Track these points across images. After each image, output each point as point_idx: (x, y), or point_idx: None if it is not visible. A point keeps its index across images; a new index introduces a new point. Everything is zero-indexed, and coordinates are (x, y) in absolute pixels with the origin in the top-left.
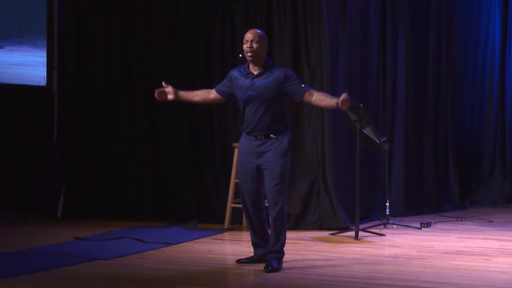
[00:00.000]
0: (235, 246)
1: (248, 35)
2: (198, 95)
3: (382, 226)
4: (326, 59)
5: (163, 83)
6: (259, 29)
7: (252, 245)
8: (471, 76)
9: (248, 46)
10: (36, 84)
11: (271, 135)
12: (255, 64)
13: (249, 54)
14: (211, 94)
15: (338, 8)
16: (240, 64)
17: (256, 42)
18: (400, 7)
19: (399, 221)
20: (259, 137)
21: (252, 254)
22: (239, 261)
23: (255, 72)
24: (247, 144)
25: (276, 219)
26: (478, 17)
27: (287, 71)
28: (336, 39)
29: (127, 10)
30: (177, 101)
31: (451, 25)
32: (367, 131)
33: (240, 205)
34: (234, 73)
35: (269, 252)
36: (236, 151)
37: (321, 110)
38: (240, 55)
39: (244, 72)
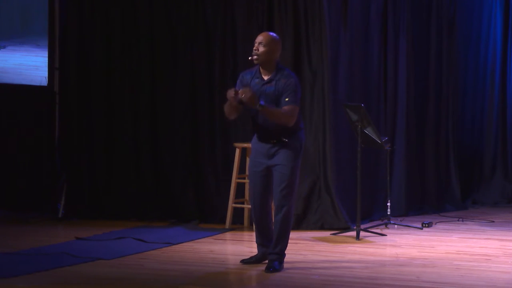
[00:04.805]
0: (237, 246)
1: (258, 37)
2: (236, 112)
3: (384, 226)
4: (327, 59)
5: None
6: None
7: (257, 244)
8: (472, 75)
9: (254, 48)
10: (37, 84)
11: (283, 139)
12: (264, 69)
13: (254, 57)
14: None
15: (339, 8)
16: (246, 64)
17: (263, 46)
18: (401, 7)
19: (400, 221)
20: (271, 141)
21: (255, 253)
22: (243, 261)
23: (265, 78)
24: (260, 144)
25: (281, 222)
26: (480, 17)
27: (288, 80)
28: (337, 39)
29: (129, 10)
30: (180, 100)
31: (452, 24)
32: (368, 131)
33: (241, 205)
34: (246, 76)
35: (270, 253)
36: (237, 151)
37: (322, 110)
38: (250, 58)
39: (255, 76)
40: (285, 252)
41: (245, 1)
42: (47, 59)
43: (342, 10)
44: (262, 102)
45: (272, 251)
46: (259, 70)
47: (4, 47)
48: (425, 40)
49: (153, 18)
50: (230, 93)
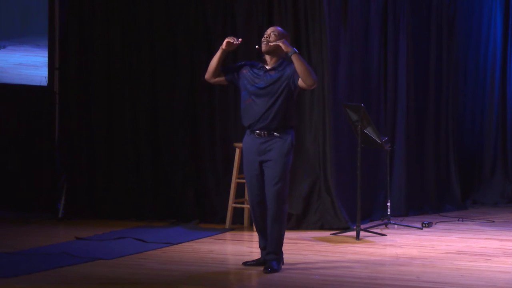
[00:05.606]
0: (236, 246)
1: (270, 28)
2: (219, 65)
3: (384, 226)
4: (327, 59)
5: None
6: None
7: (260, 248)
8: (472, 75)
9: (265, 36)
10: (37, 84)
11: (274, 133)
12: (270, 58)
13: (263, 43)
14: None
15: (339, 8)
16: (248, 59)
17: (275, 35)
18: (401, 7)
19: (401, 221)
20: (262, 134)
21: (259, 256)
22: (245, 264)
23: (268, 67)
24: (251, 142)
25: (275, 220)
26: (479, 17)
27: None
28: (337, 38)
29: (128, 10)
30: (180, 100)
31: (452, 24)
32: (368, 131)
33: (241, 205)
34: (245, 66)
35: (267, 253)
36: (237, 151)
37: (322, 110)
38: (257, 46)
39: (257, 66)
40: (285, 252)
41: (245, 1)
42: (47, 59)
43: (342, 10)
44: (295, 49)
45: (270, 250)
46: (263, 61)
47: (4, 47)
48: (425, 40)
49: (153, 18)
50: (231, 37)
